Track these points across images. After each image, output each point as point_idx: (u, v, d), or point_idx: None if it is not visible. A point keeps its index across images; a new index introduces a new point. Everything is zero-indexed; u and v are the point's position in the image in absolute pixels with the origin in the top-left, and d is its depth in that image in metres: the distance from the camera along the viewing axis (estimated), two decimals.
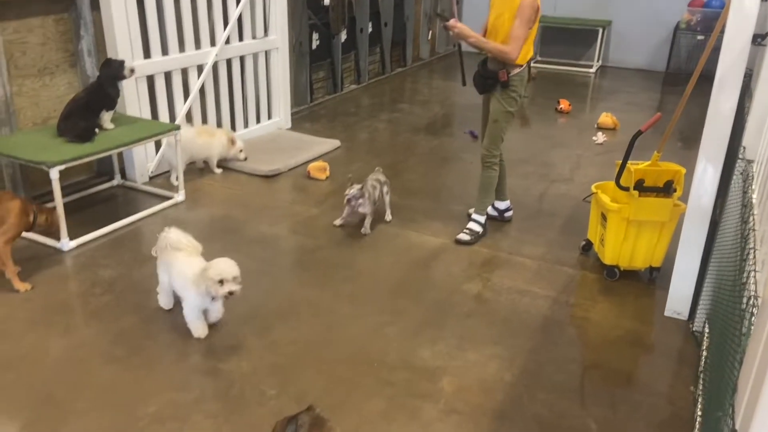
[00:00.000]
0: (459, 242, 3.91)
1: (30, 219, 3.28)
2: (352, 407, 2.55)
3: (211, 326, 3.01)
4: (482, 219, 3.99)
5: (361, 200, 3.91)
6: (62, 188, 3.60)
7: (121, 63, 3.96)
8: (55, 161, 3.50)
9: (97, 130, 3.89)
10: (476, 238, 3.95)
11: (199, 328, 2.92)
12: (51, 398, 2.54)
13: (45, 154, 3.57)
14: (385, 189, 4.13)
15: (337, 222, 4.08)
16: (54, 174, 3.50)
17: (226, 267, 2.77)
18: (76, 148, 3.70)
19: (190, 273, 2.84)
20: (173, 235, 2.96)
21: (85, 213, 4.15)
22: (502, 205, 4.23)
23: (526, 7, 3.49)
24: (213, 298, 2.83)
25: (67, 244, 3.65)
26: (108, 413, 2.47)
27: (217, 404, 2.54)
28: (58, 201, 3.56)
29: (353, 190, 3.91)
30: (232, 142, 4.91)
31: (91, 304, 3.18)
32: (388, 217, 4.18)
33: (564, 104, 6.90)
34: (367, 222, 4.01)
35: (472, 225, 3.98)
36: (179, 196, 4.38)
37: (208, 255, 3.66)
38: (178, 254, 2.94)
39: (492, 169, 3.88)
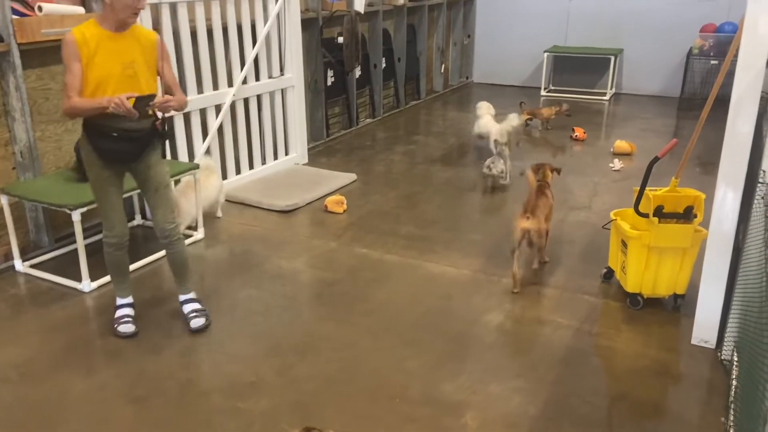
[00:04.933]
0: (195, 330, 3.26)
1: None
2: None
3: (231, 363, 3.01)
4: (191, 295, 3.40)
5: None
6: (84, 230, 3.66)
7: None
8: (77, 204, 3.57)
9: None
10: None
11: None
12: None
13: (67, 197, 3.64)
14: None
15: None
16: (76, 216, 3.56)
17: None
18: None
19: None
20: None
21: None
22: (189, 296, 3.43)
23: (165, 44, 3.05)
24: None
25: (88, 285, 3.69)
26: None
27: None
28: (80, 242, 3.61)
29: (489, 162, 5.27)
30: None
31: (112, 345, 3.19)
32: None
33: (579, 132, 6.89)
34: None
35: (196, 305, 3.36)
36: (199, 234, 4.42)
37: (228, 291, 3.68)
38: None
39: (183, 240, 3.29)
